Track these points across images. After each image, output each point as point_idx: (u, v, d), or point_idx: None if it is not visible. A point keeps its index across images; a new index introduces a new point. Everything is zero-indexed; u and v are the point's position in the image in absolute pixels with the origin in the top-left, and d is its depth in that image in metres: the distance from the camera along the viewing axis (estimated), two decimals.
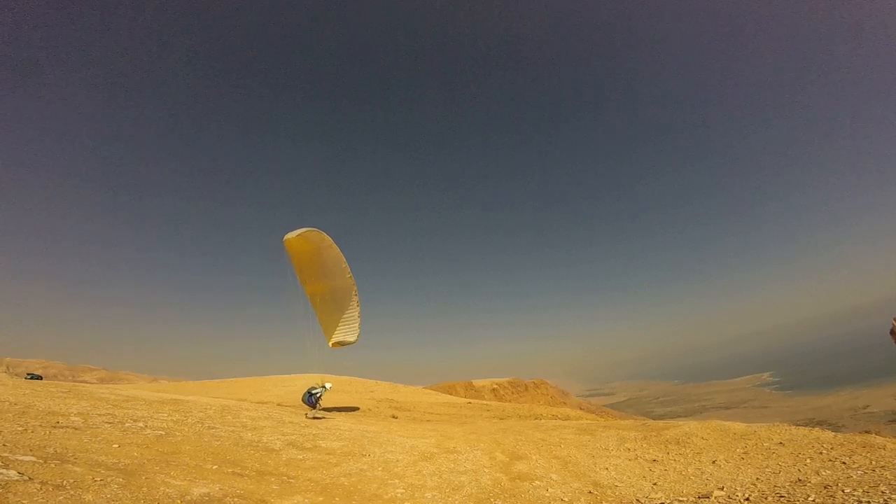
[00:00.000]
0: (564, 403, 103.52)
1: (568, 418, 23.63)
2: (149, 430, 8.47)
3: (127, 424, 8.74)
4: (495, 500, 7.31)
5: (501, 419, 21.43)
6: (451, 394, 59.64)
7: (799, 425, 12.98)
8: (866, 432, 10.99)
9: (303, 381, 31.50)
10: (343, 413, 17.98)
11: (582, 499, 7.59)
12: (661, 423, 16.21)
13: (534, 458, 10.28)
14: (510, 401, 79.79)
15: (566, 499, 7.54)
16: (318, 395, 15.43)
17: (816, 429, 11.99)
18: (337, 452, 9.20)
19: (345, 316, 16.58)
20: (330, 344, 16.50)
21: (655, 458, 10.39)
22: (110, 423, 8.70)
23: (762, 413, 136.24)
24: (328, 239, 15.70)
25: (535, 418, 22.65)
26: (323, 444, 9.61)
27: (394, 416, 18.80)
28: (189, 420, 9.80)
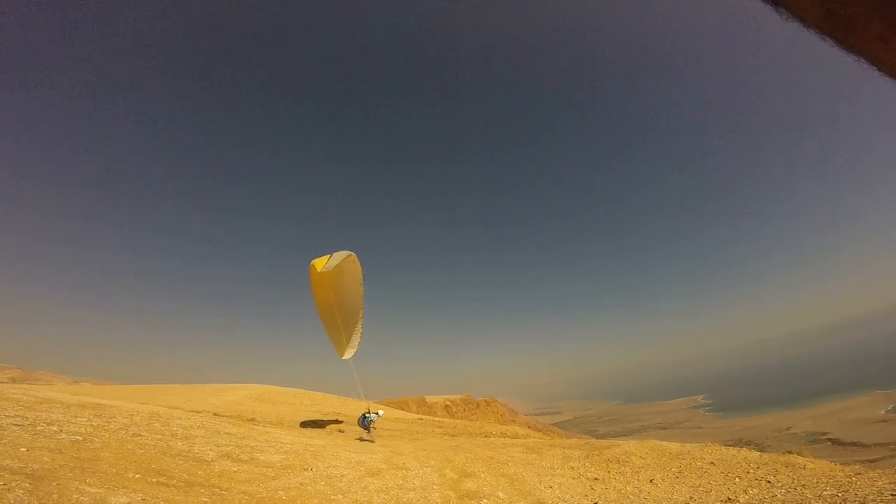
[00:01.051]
0: (513, 422, 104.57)
1: (516, 437, 23.84)
2: (64, 435, 7.58)
3: (39, 428, 7.79)
4: None
5: (452, 436, 21.23)
6: (402, 409, 58.36)
7: (729, 445, 13.85)
8: (789, 452, 11.95)
9: (243, 392, 29.84)
10: (285, 426, 17.04)
11: None
12: (603, 442, 16.74)
13: (482, 475, 10.25)
14: (462, 418, 79.49)
15: None
16: (371, 420, 15.71)
17: (744, 449, 12.73)
18: (276, 465, 8.68)
19: (354, 329, 16.16)
20: (343, 356, 16.05)
21: (597, 476, 10.69)
22: (19, 425, 7.72)
23: (696, 433, 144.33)
24: (353, 256, 15.30)
25: (485, 436, 22.67)
26: (261, 457, 9.04)
27: (341, 431, 18.09)
28: (111, 426, 8.89)
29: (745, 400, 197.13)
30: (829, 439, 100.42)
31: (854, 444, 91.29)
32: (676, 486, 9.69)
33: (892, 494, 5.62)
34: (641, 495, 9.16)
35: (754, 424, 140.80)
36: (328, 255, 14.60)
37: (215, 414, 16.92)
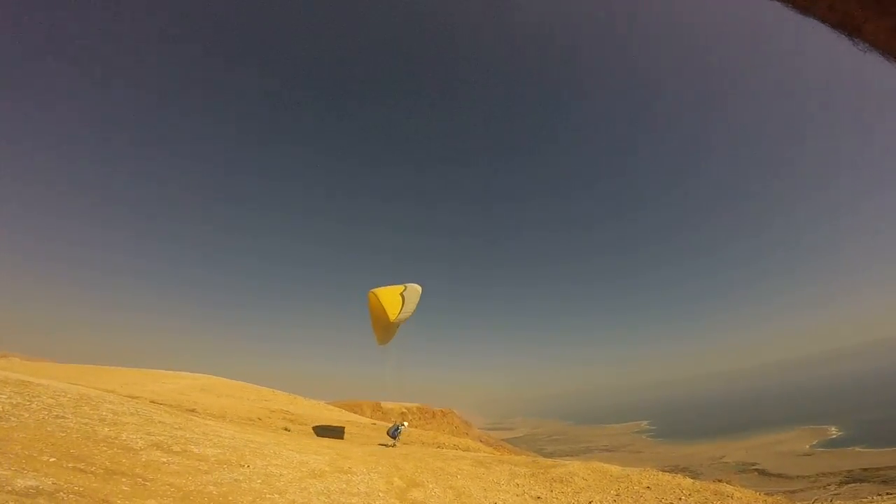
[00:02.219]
0: (467, 434, 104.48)
1: (468, 449, 23.89)
2: None
3: None
4: None
5: (404, 444, 21.00)
6: (356, 412, 56.89)
7: (666, 471, 14.43)
8: (719, 481, 12.61)
9: (187, 381, 28.25)
10: (227, 420, 16.25)
11: None
12: (549, 461, 17.06)
13: (430, 486, 10.20)
14: (416, 426, 78.77)
15: None
16: (399, 431, 17.01)
17: (679, 475, 13.42)
18: (210, 459, 8.23)
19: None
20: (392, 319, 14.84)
21: (540, 495, 10.86)
22: None
23: (637, 457, 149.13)
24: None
25: (438, 447, 22.57)
26: (195, 450, 8.55)
27: (286, 429, 17.43)
28: (33, 405, 8.17)
29: (685, 428, 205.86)
30: (757, 470, 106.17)
31: (779, 475, 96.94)
32: None
33: None
34: None
35: (691, 452, 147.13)
36: (398, 289, 14.03)
37: (152, 401, 15.94)
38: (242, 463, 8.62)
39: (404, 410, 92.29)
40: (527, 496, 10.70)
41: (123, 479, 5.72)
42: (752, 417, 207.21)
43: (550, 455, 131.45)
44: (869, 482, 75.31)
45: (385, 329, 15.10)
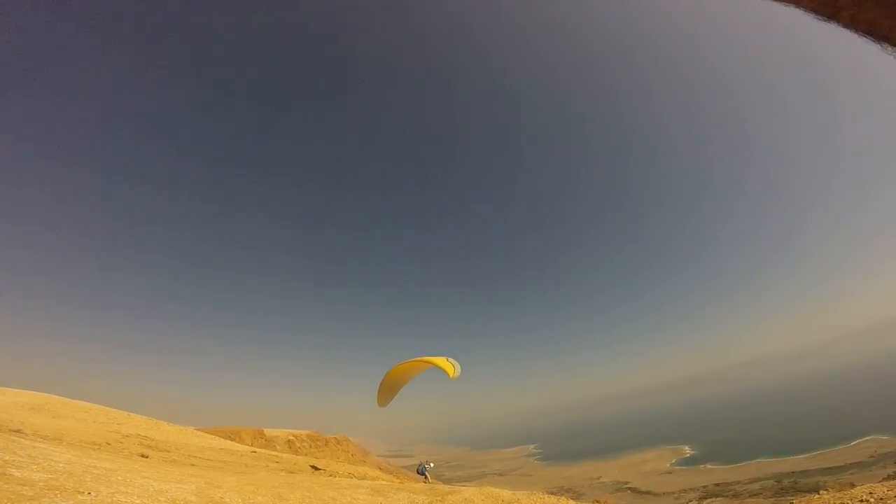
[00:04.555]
0: (364, 462, 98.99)
1: (364, 477, 22.63)
2: None
3: None
4: None
5: (291, 473, 18.91)
6: (233, 440, 50.27)
7: (551, 493, 15.32)
8: (597, 501, 13.75)
9: (11, 398, 22.55)
10: (65, 443, 13.03)
11: None
12: (446, 487, 17.04)
13: None
14: (307, 454, 72.13)
15: None
16: (426, 469, 17.35)
17: (563, 497, 14.21)
18: (38, 485, 6.41)
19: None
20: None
21: None
22: None
23: (527, 480, 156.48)
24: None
25: (330, 475, 20.91)
26: (17, 473, 6.61)
27: (143, 455, 14.55)
28: None
29: (567, 451, 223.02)
30: (630, 488, 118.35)
31: (648, 492, 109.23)
32: None
33: None
34: None
35: (573, 473, 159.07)
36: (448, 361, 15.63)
37: None
38: (81, 490, 6.87)
39: (292, 438, 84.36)
40: None
41: None
42: (621, 439, 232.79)
43: (449, 481, 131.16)
44: (723, 496, 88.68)
45: (392, 391, 17.04)
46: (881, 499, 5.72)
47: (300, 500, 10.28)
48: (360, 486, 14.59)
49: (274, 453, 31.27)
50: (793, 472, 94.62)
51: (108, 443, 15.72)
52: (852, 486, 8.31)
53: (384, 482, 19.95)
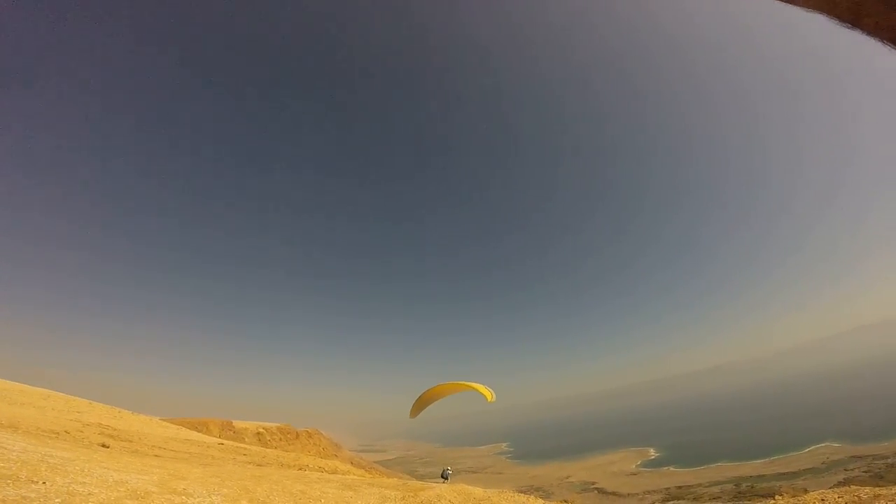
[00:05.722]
0: (336, 456, 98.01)
1: (335, 472, 22.45)
2: None
3: None
4: None
5: (259, 465, 18.58)
6: (201, 431, 49.01)
7: (521, 491, 15.61)
8: (565, 501, 14.04)
9: None
10: (20, 431, 12.41)
11: None
12: (418, 483, 17.11)
13: None
14: (276, 448, 70.92)
15: None
16: (448, 475, 18.18)
17: (532, 496, 14.47)
18: None
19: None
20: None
21: None
22: None
23: (498, 478, 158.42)
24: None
25: (300, 468, 20.63)
26: None
27: (104, 445, 14.02)
28: None
29: (538, 450, 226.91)
30: (597, 488, 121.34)
31: (614, 493, 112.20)
32: None
33: None
34: None
35: (542, 472, 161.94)
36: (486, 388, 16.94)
37: None
38: (36, 479, 6.60)
39: (262, 430, 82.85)
40: None
41: None
42: (589, 439, 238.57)
43: (422, 477, 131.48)
44: (684, 499, 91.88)
45: (425, 405, 18.28)
46: None
47: (267, 493, 10.06)
48: (330, 481, 14.46)
49: (242, 445, 30.63)
50: (750, 477, 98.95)
51: (67, 431, 15.07)
52: (805, 491, 8.77)
53: (355, 477, 19.84)
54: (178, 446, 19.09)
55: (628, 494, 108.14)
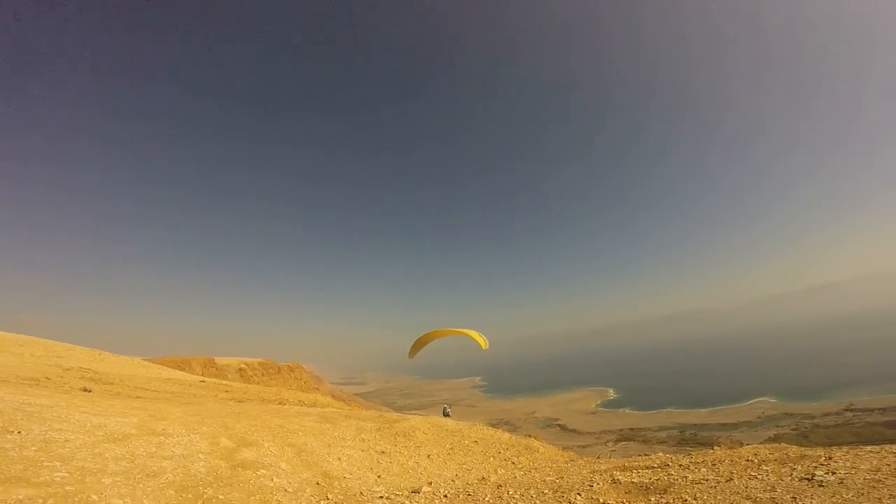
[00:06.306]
0: (317, 389, 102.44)
1: (315, 405, 23.19)
2: None
3: None
4: (206, 490, 6.25)
5: (240, 402, 19.21)
6: (183, 370, 49.71)
7: (491, 425, 16.43)
8: (529, 436, 14.92)
9: None
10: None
11: (308, 490, 7.32)
12: (395, 415, 17.65)
13: (266, 445, 9.39)
14: (258, 383, 73.24)
15: (291, 489, 7.11)
16: (448, 413, 19.07)
17: (500, 429, 15.26)
18: None
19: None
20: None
21: (384, 450, 11.18)
22: None
23: (471, 411, 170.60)
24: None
25: (280, 403, 21.36)
26: None
27: (85, 390, 14.15)
28: None
29: (509, 385, 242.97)
30: (559, 425, 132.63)
31: (574, 430, 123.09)
32: (447, 463, 10.95)
33: (590, 485, 7.23)
34: (419, 470, 9.99)
35: (512, 407, 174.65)
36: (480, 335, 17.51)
37: None
38: (11, 429, 6.70)
39: (244, 366, 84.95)
40: (372, 451, 10.86)
41: None
42: (556, 378, 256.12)
43: (401, 409, 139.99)
44: (635, 441, 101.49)
45: (422, 347, 18.87)
46: (763, 461, 6.73)
47: (246, 429, 10.52)
48: (309, 414, 15.11)
49: (224, 382, 31.34)
50: (694, 425, 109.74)
51: (48, 378, 15.04)
52: (741, 444, 9.72)
53: (333, 409, 20.65)
54: (160, 386, 19.43)
55: (586, 433, 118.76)
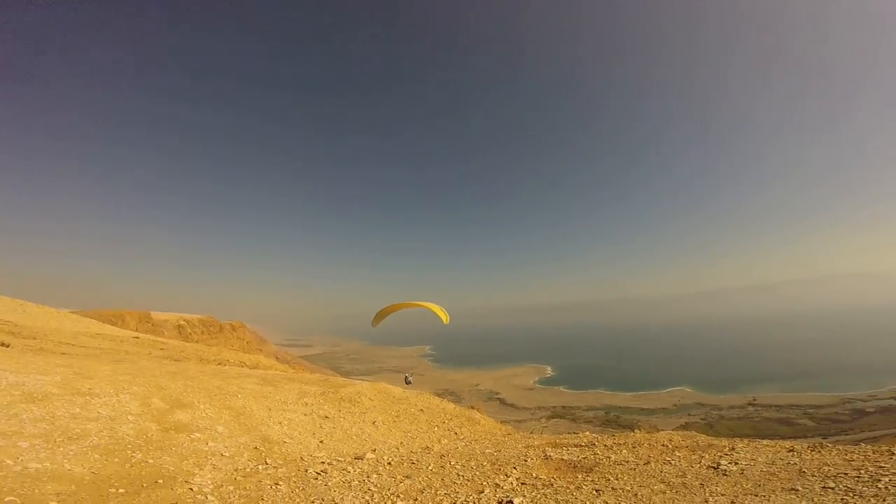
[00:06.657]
0: (261, 350, 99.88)
1: (257, 366, 22.61)
2: None
3: None
4: (135, 453, 5.98)
5: (176, 361, 18.32)
6: (116, 324, 46.32)
7: (437, 394, 16.73)
8: (471, 408, 15.47)
9: None
10: None
11: (245, 454, 7.19)
12: (340, 380, 17.43)
13: (202, 407, 9.05)
14: (198, 341, 70.06)
15: (227, 454, 6.96)
16: (410, 381, 18.97)
17: (445, 399, 15.54)
18: None
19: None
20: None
21: (328, 415, 11.08)
22: None
23: (419, 380, 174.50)
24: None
25: (219, 363, 20.63)
26: None
27: (3, 344, 12.88)
28: None
29: (457, 356, 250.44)
30: (499, 399, 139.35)
31: (513, 405, 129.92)
32: (392, 430, 11.10)
33: (524, 460, 7.63)
34: (363, 437, 10.06)
35: (458, 378, 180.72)
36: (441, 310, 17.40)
37: None
38: None
39: (183, 323, 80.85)
40: (314, 416, 10.71)
41: None
42: (502, 351, 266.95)
43: (348, 374, 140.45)
44: (565, 419, 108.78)
45: (384, 317, 18.23)
46: (676, 447, 7.50)
47: (181, 390, 10.06)
48: (250, 376, 14.67)
49: (160, 339, 29.70)
50: (619, 407, 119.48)
51: None
52: (657, 429, 10.70)
53: (276, 372, 20.15)
54: (88, 342, 18.07)
55: (523, 408, 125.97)
